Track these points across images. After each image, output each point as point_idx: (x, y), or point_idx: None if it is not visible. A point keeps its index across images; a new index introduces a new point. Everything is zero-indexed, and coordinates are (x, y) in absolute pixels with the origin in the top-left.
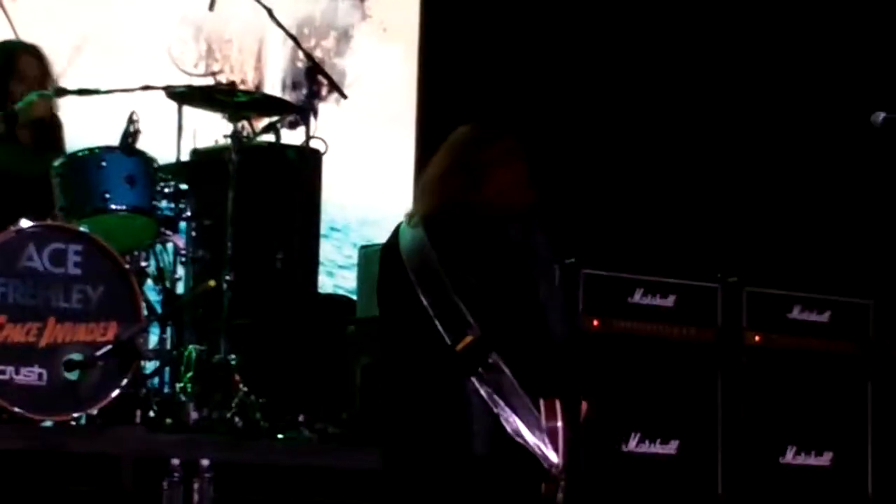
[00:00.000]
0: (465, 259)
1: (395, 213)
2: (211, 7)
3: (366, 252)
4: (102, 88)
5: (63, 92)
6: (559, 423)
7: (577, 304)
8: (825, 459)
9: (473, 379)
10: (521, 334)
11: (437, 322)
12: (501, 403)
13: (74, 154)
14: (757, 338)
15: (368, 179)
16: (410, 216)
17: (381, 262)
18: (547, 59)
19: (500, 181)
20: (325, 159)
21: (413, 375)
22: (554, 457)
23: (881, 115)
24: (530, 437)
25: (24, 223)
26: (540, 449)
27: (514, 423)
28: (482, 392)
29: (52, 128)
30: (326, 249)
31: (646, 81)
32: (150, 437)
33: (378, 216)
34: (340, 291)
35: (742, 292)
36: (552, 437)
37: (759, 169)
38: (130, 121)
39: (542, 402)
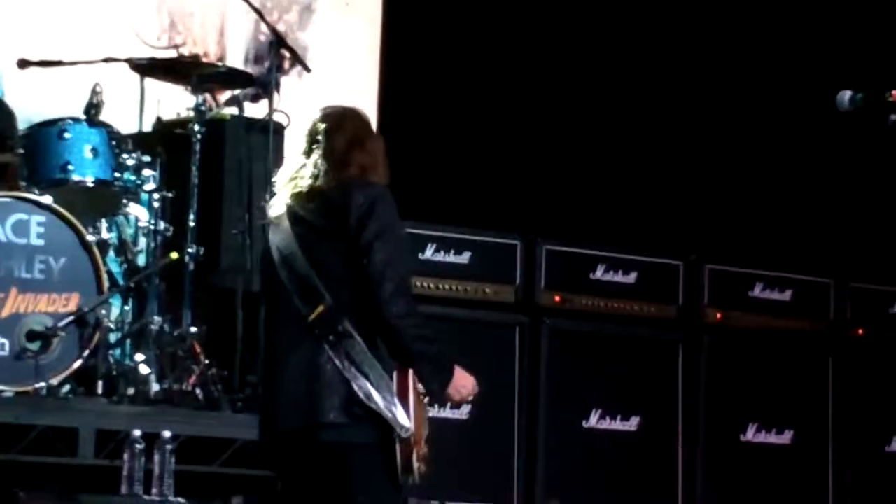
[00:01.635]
0: (318, 232)
1: None
2: None
3: None
4: (66, 60)
5: (26, 63)
6: (411, 389)
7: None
8: (786, 437)
9: (326, 347)
10: (363, 302)
11: (294, 296)
12: (353, 370)
13: (38, 125)
14: (718, 315)
15: None
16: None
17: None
18: (510, 33)
19: (359, 161)
20: (288, 133)
21: (276, 347)
22: (406, 421)
23: (847, 94)
24: (382, 402)
25: None
26: (392, 413)
27: (367, 388)
28: (335, 360)
29: None
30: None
31: (611, 59)
32: (111, 408)
33: None
34: None
35: (703, 270)
36: (404, 402)
37: (722, 147)
38: (94, 92)
39: (395, 369)
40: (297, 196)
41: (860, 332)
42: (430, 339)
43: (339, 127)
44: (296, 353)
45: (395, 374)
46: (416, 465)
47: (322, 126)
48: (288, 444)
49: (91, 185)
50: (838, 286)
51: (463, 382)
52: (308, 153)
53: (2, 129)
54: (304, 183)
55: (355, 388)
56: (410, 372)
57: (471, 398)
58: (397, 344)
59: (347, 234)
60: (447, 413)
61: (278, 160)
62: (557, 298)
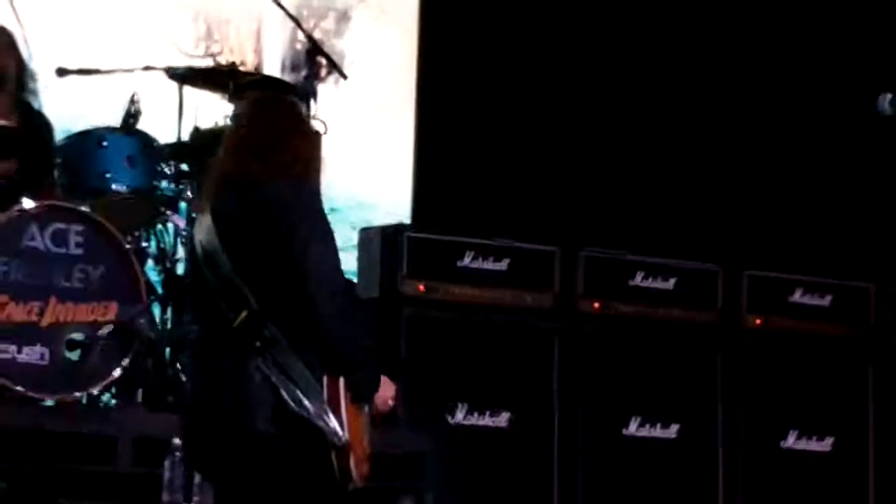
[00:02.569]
0: (241, 231)
1: (393, 196)
2: None
3: (365, 234)
4: (103, 68)
5: (64, 72)
6: (342, 396)
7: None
8: (826, 444)
9: (253, 353)
10: (291, 305)
11: (219, 300)
12: (282, 377)
13: (76, 134)
14: (757, 321)
15: (367, 161)
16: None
17: None
18: (545, 41)
19: (289, 150)
20: (324, 140)
21: (202, 353)
22: (339, 429)
23: (888, 97)
24: (312, 410)
25: (27, 203)
26: (324, 421)
27: (297, 396)
28: (263, 367)
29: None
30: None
31: (647, 68)
32: (151, 417)
33: (375, 198)
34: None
35: (742, 276)
36: (336, 409)
37: (761, 153)
38: (132, 101)
39: (325, 376)
40: (221, 186)
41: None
42: (366, 346)
43: (273, 115)
44: (221, 359)
45: (325, 381)
46: (354, 471)
47: (252, 110)
48: (217, 453)
49: (129, 194)
50: (878, 291)
51: (388, 394)
52: (235, 139)
53: (38, 140)
54: (229, 171)
55: (285, 396)
56: (341, 378)
57: (390, 405)
58: (330, 350)
59: (274, 233)
60: (487, 421)
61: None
62: (596, 305)
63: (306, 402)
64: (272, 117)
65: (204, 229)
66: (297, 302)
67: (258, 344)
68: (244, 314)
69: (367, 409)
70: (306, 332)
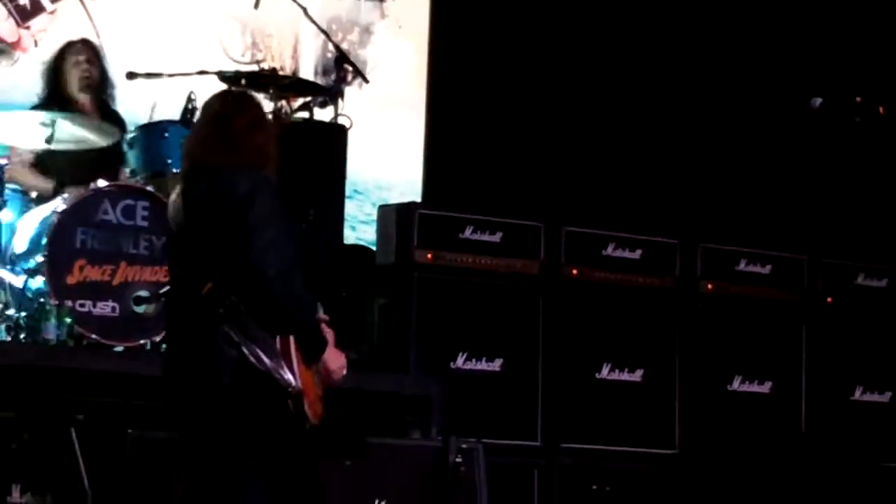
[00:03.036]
0: (206, 214)
1: (406, 179)
2: (256, 6)
3: (383, 210)
4: (165, 72)
5: (133, 75)
6: (292, 349)
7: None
8: (766, 387)
9: (218, 319)
10: (246, 280)
11: (188, 271)
12: (242, 337)
13: (143, 126)
14: (709, 286)
15: (385, 150)
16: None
17: None
18: (536, 55)
19: (255, 143)
20: (350, 133)
21: (176, 320)
22: (290, 378)
23: (819, 100)
24: (269, 363)
25: (101, 183)
26: (278, 373)
27: (256, 353)
28: (226, 330)
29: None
30: (350, 208)
31: (623, 75)
32: None
33: (392, 181)
34: (362, 242)
35: (697, 247)
36: (287, 361)
37: (715, 145)
38: (189, 99)
39: (277, 335)
40: (191, 172)
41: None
42: (302, 311)
43: (241, 111)
44: (191, 323)
45: (278, 339)
46: (308, 411)
47: (225, 107)
48: (188, 407)
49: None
50: (811, 261)
51: (337, 364)
52: (206, 129)
53: (114, 132)
54: (199, 159)
55: (246, 353)
56: (291, 338)
57: (344, 372)
58: (276, 318)
59: (234, 216)
60: (483, 366)
61: (342, 157)
62: (575, 272)
63: (265, 359)
64: (238, 114)
65: (175, 210)
66: (248, 278)
67: (221, 311)
68: (209, 285)
69: (316, 368)
70: (259, 305)
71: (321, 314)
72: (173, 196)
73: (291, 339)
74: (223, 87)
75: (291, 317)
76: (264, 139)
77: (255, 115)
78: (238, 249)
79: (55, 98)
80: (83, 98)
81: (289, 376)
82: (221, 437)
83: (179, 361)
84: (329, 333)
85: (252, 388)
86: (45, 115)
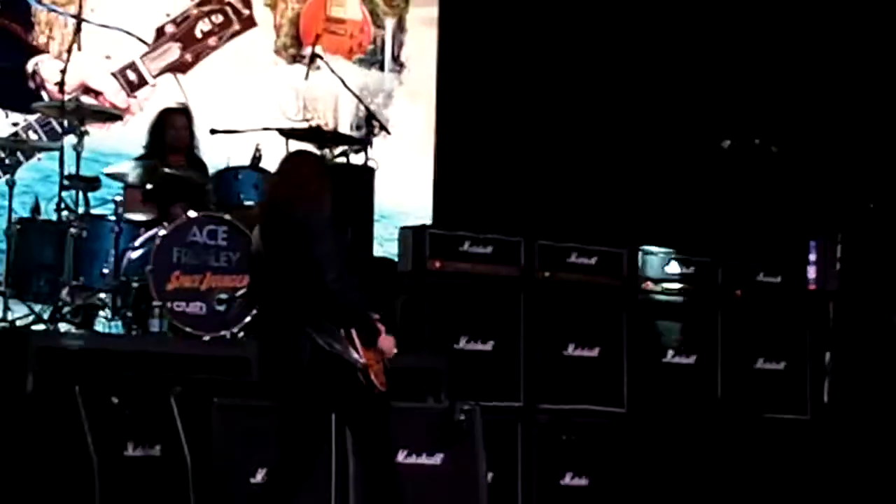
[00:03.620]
0: (282, 242)
1: (420, 206)
2: (306, 77)
3: (402, 231)
4: (238, 129)
5: (214, 131)
6: (356, 340)
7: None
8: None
9: (298, 320)
10: (314, 287)
11: (271, 285)
12: (319, 332)
13: (222, 170)
14: (547, 274)
15: (403, 185)
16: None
17: None
18: (514, 127)
19: (313, 190)
20: (376, 173)
21: (265, 319)
22: (357, 356)
23: (728, 142)
24: (339, 347)
25: (191, 213)
26: (346, 354)
27: (329, 342)
28: (305, 328)
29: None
30: (378, 229)
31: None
32: None
33: (409, 208)
34: (386, 255)
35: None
36: (354, 347)
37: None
38: (256, 149)
39: (342, 330)
40: (270, 212)
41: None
42: (357, 307)
43: (304, 166)
44: (278, 321)
45: (342, 332)
46: (374, 381)
47: (292, 163)
48: (281, 387)
49: (254, 206)
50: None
51: (389, 344)
52: (278, 179)
53: (200, 175)
54: (273, 200)
55: (321, 343)
56: (353, 331)
57: (395, 350)
58: (340, 315)
59: (301, 242)
60: (479, 347)
61: (371, 191)
62: (546, 274)
63: (336, 345)
64: (302, 167)
65: (255, 239)
66: (316, 285)
67: (299, 315)
68: (292, 296)
69: (377, 350)
70: (328, 307)
71: (373, 314)
72: (256, 231)
73: (353, 332)
74: (282, 140)
75: (350, 314)
76: (319, 186)
77: (314, 169)
78: (310, 269)
79: (156, 150)
80: (176, 150)
81: (355, 356)
82: (305, 400)
83: (272, 350)
84: (380, 325)
85: (326, 365)
86: (149, 163)
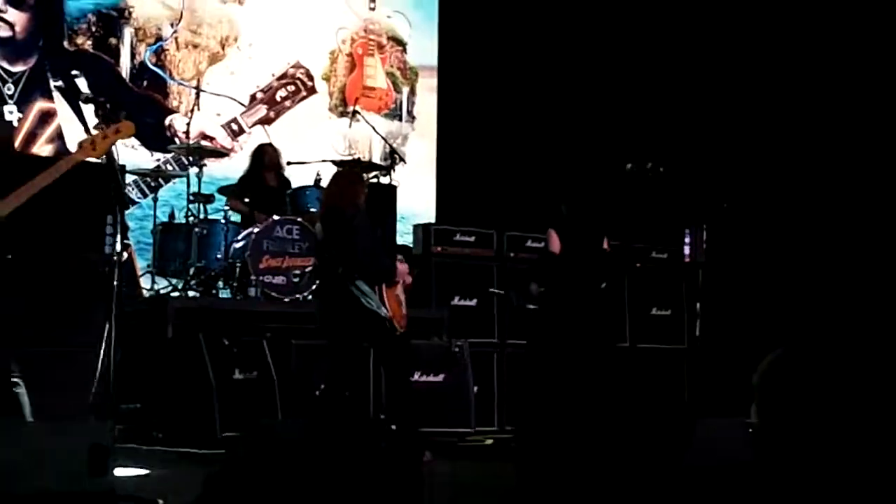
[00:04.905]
0: (335, 231)
1: (426, 210)
2: (349, 126)
3: (415, 227)
4: (306, 160)
5: (290, 163)
6: (385, 296)
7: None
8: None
9: (347, 284)
10: (355, 262)
11: (328, 262)
12: (360, 293)
13: (295, 188)
14: (512, 254)
15: (416, 196)
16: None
17: None
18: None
19: (356, 195)
20: (398, 189)
21: (324, 286)
22: (385, 311)
23: (629, 165)
24: (375, 305)
25: (275, 217)
26: (379, 309)
27: (367, 300)
28: (351, 289)
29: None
30: (399, 227)
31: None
32: None
33: (420, 212)
34: (406, 243)
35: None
36: (383, 303)
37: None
38: (317, 174)
39: (376, 288)
40: (325, 209)
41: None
42: (386, 267)
43: (350, 180)
44: (333, 288)
45: (376, 289)
46: (397, 326)
47: (342, 177)
48: (333, 328)
49: (315, 213)
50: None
51: (403, 271)
52: (334, 188)
53: (282, 192)
54: (328, 202)
55: (363, 301)
56: (384, 286)
57: (407, 276)
58: (370, 278)
59: (348, 232)
60: (467, 303)
61: (394, 201)
62: (512, 255)
63: (372, 302)
64: (348, 178)
65: (318, 229)
66: (357, 260)
67: (347, 280)
68: (340, 269)
69: (396, 294)
70: (363, 273)
71: (400, 260)
72: (318, 224)
73: (384, 290)
74: (335, 168)
75: (376, 274)
76: (358, 192)
77: (356, 182)
78: (351, 248)
79: (253, 175)
80: (269, 175)
81: (384, 311)
82: (351, 339)
83: (329, 306)
84: (401, 265)
85: (365, 317)
86: (245, 184)
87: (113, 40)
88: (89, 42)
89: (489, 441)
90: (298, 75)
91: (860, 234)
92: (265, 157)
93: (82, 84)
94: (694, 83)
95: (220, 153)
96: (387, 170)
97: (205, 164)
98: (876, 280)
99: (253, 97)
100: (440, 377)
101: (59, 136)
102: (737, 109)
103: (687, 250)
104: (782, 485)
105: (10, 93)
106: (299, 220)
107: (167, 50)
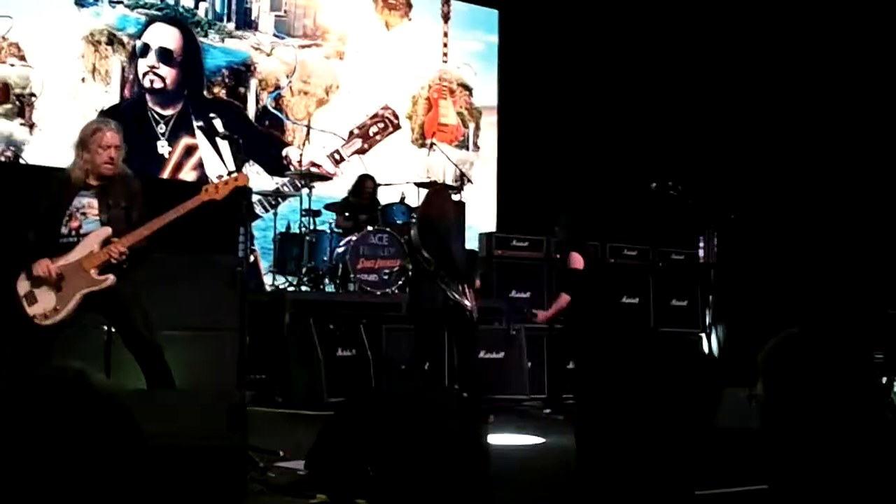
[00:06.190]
0: (426, 237)
1: (488, 222)
2: (427, 155)
3: (480, 235)
4: (394, 182)
5: (380, 185)
6: (467, 290)
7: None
8: (635, 300)
9: (436, 279)
10: (441, 259)
11: (420, 258)
12: (447, 287)
13: (385, 205)
14: (558, 256)
15: (480, 210)
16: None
17: None
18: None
19: (443, 207)
20: (466, 206)
21: (418, 281)
22: (468, 303)
23: (653, 184)
24: (457, 296)
25: (369, 227)
26: (462, 301)
27: (451, 293)
28: (440, 284)
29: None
30: (468, 234)
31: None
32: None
33: (483, 223)
34: (473, 248)
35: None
36: (465, 296)
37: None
38: (402, 194)
39: (458, 284)
40: (419, 220)
41: (556, 256)
42: (466, 273)
43: (437, 196)
44: (425, 280)
45: (459, 288)
46: (472, 315)
47: (432, 195)
48: (421, 318)
49: (403, 224)
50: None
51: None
52: (425, 203)
53: (374, 208)
54: (420, 215)
55: (448, 293)
56: (465, 285)
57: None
58: (457, 276)
59: (437, 239)
60: (522, 295)
61: (464, 213)
62: (557, 256)
63: (456, 294)
64: (436, 195)
65: (413, 236)
66: (448, 259)
67: (437, 275)
68: (433, 265)
69: (474, 294)
70: (449, 271)
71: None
72: (413, 230)
73: (466, 286)
74: (417, 189)
75: (458, 274)
76: (447, 206)
77: (442, 197)
78: (441, 251)
79: (355, 193)
80: (366, 193)
81: (465, 302)
82: (434, 325)
83: (418, 298)
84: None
85: (450, 306)
86: (346, 202)
87: (242, 89)
88: (223, 91)
89: (547, 410)
90: (387, 115)
91: (852, 232)
92: (363, 184)
93: (218, 124)
94: (704, 116)
95: (326, 178)
96: (458, 189)
97: (314, 186)
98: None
99: (351, 133)
100: (501, 354)
101: (200, 166)
102: (740, 137)
103: (701, 253)
104: (786, 450)
105: (162, 131)
106: (388, 230)
107: (284, 96)
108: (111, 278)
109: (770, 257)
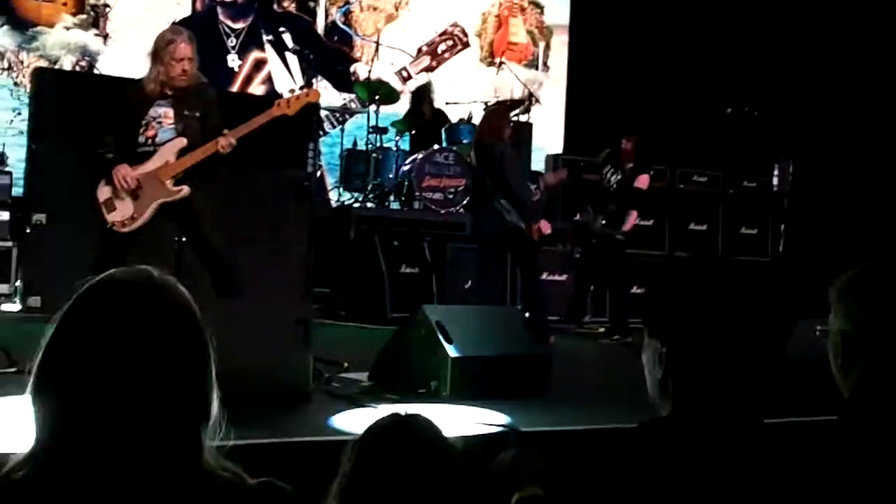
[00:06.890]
0: (483, 160)
1: (555, 142)
2: (496, 74)
3: (546, 156)
4: (461, 101)
5: (448, 103)
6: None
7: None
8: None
9: (496, 198)
10: (501, 183)
11: (480, 180)
12: (504, 207)
13: (451, 124)
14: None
15: (547, 131)
16: None
17: None
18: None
19: (500, 129)
20: (533, 126)
21: (476, 202)
22: (523, 224)
23: (728, 109)
24: (515, 218)
25: (434, 146)
26: (518, 222)
27: (510, 215)
28: (497, 203)
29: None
30: (535, 157)
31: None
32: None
33: (549, 143)
34: (538, 169)
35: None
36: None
37: None
38: (469, 113)
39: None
40: (477, 143)
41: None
42: (523, 198)
43: (495, 116)
44: (483, 201)
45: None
46: (533, 236)
47: (489, 115)
48: (483, 238)
49: (468, 143)
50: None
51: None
52: (482, 124)
53: (439, 126)
54: (477, 137)
55: (507, 216)
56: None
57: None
58: (513, 200)
59: (494, 162)
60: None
61: (530, 135)
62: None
63: (514, 216)
64: (494, 115)
65: (472, 158)
66: (502, 182)
67: (494, 199)
68: (490, 186)
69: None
70: (506, 193)
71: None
72: (472, 152)
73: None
74: (483, 108)
75: (514, 197)
76: (503, 128)
77: (500, 116)
78: (497, 173)
79: (415, 110)
80: (427, 108)
81: (522, 224)
82: (495, 245)
83: (478, 218)
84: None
85: (508, 228)
86: (410, 121)
87: (311, 3)
88: (293, 5)
89: (601, 329)
90: (456, 32)
91: None
92: (425, 96)
93: (288, 38)
94: (786, 40)
95: (393, 95)
96: (525, 110)
97: (381, 103)
98: None
99: (419, 50)
100: (564, 277)
101: (269, 80)
102: (823, 66)
103: (776, 181)
104: (859, 384)
105: (232, 45)
106: (454, 149)
107: (353, 12)
108: (185, 189)
109: (846, 188)
